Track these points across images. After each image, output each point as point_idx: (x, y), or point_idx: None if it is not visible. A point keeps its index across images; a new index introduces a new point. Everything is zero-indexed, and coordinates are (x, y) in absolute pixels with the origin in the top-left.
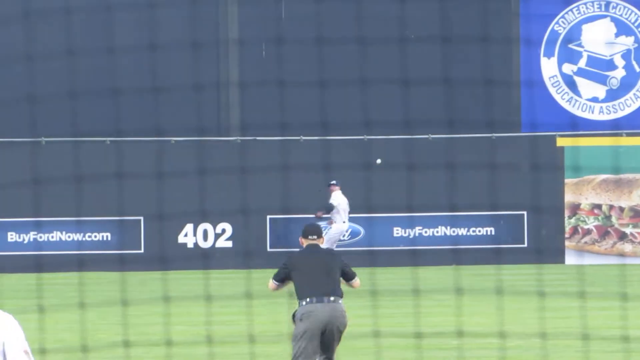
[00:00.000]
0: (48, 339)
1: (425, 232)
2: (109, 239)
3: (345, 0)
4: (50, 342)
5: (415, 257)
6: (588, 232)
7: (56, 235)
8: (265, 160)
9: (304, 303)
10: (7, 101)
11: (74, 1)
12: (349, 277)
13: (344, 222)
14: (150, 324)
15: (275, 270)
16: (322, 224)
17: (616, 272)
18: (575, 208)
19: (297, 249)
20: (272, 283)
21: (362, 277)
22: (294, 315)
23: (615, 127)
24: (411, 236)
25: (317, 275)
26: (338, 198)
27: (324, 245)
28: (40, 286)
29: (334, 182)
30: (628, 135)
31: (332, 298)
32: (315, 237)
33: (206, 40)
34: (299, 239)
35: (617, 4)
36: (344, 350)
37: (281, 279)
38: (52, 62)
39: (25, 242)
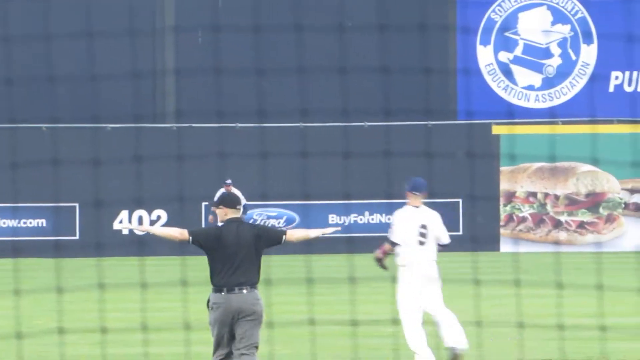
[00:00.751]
0: None
1: (361, 219)
2: (44, 225)
3: None
4: None
5: (350, 244)
6: (523, 220)
7: None
8: (201, 148)
9: (215, 292)
10: None
11: None
12: (279, 239)
13: None
14: (85, 311)
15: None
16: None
17: (551, 260)
18: (511, 196)
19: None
20: (184, 233)
21: (297, 264)
22: (208, 301)
23: (551, 115)
24: (347, 223)
25: (233, 260)
26: None
27: None
28: None
29: (228, 181)
30: (564, 123)
31: (244, 290)
32: (238, 207)
33: (143, 27)
34: (213, 210)
35: None
36: (280, 337)
37: (194, 240)
38: None
39: None
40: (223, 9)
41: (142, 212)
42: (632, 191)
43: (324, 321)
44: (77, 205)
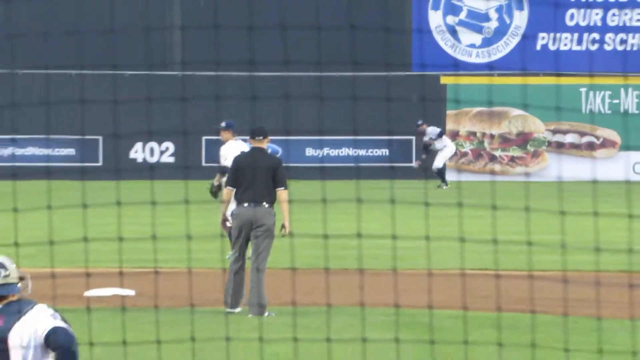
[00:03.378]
0: (21, 235)
1: (332, 152)
2: (73, 153)
3: None
4: (22, 238)
5: (323, 172)
6: (465, 154)
7: (29, 150)
8: (202, 91)
9: (237, 205)
10: None
11: None
12: (277, 184)
13: None
14: (105, 224)
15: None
16: None
17: (487, 188)
18: (455, 134)
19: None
20: (227, 190)
21: None
22: (231, 213)
23: (489, 68)
24: (320, 155)
25: (253, 180)
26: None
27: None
28: (15, 192)
29: (223, 124)
30: (500, 75)
31: (258, 205)
32: (261, 137)
33: None
34: (248, 140)
35: None
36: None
37: (233, 183)
38: (29, 4)
39: (5, 155)
40: None
41: (153, 144)
42: (554, 132)
43: (301, 234)
44: (100, 137)
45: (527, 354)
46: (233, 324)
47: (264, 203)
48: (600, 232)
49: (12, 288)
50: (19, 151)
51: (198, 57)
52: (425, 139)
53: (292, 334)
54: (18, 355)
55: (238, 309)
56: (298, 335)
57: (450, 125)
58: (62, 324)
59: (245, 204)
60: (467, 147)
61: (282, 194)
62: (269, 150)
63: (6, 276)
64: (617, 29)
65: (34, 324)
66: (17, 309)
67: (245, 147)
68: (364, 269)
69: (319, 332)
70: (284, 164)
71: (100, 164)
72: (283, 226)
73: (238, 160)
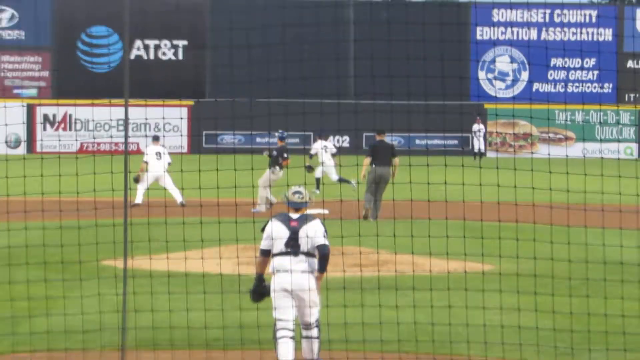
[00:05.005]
0: None
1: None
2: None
3: None
4: None
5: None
6: (496, 144)
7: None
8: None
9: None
10: None
11: None
12: (392, 155)
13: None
14: None
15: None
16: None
17: (520, 162)
18: (491, 133)
19: None
20: (367, 160)
21: None
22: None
23: (512, 100)
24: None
25: (382, 153)
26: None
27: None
28: None
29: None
30: (515, 103)
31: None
32: (383, 133)
33: None
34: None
35: None
36: None
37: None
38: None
39: None
40: None
41: None
42: (542, 132)
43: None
44: None
45: None
46: None
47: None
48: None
49: (304, 205)
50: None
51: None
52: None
53: None
54: (303, 242)
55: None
56: None
57: (489, 129)
58: (326, 242)
59: (379, 166)
60: (497, 140)
61: (395, 160)
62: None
63: (302, 197)
64: (573, 79)
65: (313, 230)
66: (305, 218)
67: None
68: None
69: None
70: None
71: None
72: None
73: (374, 145)
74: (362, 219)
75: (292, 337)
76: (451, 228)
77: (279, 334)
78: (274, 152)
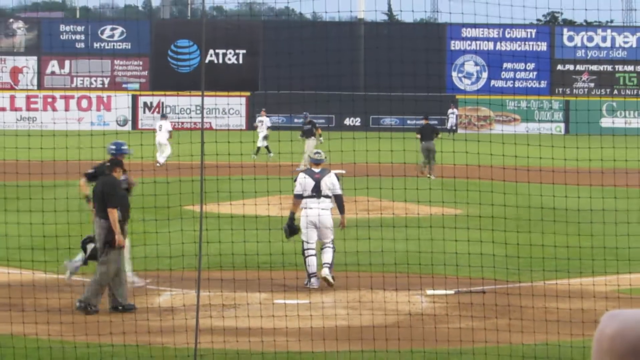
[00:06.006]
0: None
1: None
2: None
3: None
4: None
5: None
6: (468, 124)
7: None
8: None
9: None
10: None
11: None
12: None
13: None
14: None
15: None
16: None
17: (489, 137)
18: (461, 116)
19: None
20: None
21: None
22: None
23: (477, 92)
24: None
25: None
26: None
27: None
28: None
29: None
30: (480, 94)
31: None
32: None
33: None
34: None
35: None
36: None
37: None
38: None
39: None
40: None
41: None
42: (497, 115)
43: None
44: None
45: None
46: None
47: None
48: None
49: (322, 160)
50: None
51: None
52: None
53: None
54: (324, 188)
55: None
56: None
57: (460, 112)
58: (341, 192)
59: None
60: (465, 121)
61: (438, 135)
62: None
63: (320, 155)
64: (519, 77)
65: (330, 181)
66: (324, 171)
67: None
68: None
69: None
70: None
71: None
72: None
73: (422, 126)
74: (419, 175)
75: (315, 254)
76: (433, 183)
77: (307, 252)
78: (309, 126)
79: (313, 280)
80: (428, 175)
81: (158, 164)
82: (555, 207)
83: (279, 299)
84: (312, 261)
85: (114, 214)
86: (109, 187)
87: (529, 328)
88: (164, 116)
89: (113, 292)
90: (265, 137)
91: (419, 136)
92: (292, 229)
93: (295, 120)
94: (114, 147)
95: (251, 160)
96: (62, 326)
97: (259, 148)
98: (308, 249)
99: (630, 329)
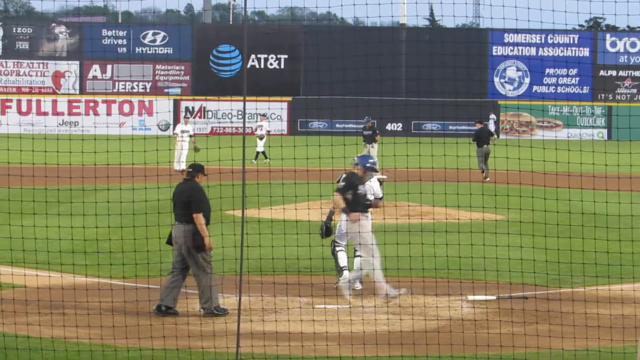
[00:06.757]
0: None
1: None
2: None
3: None
4: None
5: None
6: (509, 130)
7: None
8: None
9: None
10: None
11: None
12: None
13: None
14: None
15: None
16: None
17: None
18: (504, 121)
19: None
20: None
21: None
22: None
23: (518, 97)
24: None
25: None
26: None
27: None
28: None
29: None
30: (521, 100)
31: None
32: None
33: None
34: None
35: None
36: None
37: None
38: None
39: None
40: None
41: None
42: (538, 121)
43: None
44: None
45: None
46: None
47: None
48: None
49: (377, 171)
50: None
51: None
52: None
53: None
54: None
55: None
56: None
57: (501, 118)
58: (381, 195)
59: None
60: (506, 126)
61: (493, 138)
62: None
63: (376, 165)
64: (561, 83)
65: (370, 184)
66: (370, 175)
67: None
68: None
69: None
70: None
71: None
72: None
73: (477, 131)
74: (483, 182)
75: (344, 250)
76: (474, 188)
77: (337, 248)
78: (369, 131)
79: (346, 273)
80: (484, 180)
81: (178, 170)
82: (596, 212)
83: (320, 304)
84: (342, 257)
85: (201, 219)
86: (195, 193)
87: (570, 334)
88: (186, 117)
89: (164, 292)
90: (261, 138)
91: (474, 141)
92: (328, 229)
93: (337, 125)
94: (361, 160)
95: (291, 165)
96: (103, 330)
97: (257, 153)
98: (338, 245)
99: None
